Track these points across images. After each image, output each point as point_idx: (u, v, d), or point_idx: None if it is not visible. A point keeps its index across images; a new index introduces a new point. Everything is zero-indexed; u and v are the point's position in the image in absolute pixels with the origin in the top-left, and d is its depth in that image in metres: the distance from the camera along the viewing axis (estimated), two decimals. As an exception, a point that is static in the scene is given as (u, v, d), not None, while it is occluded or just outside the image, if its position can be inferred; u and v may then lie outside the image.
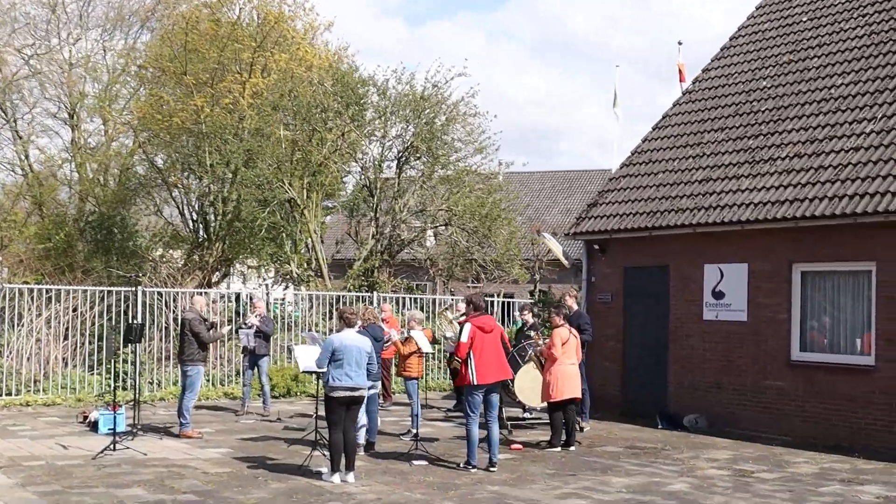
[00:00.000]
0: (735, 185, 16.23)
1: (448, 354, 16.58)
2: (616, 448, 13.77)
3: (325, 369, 10.84)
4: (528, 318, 16.69)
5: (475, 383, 11.63)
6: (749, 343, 15.46)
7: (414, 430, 14.41)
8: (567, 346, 13.59)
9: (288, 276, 25.04)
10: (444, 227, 26.50)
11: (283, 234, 24.51)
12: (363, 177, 26.57)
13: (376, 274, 25.08)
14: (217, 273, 29.49)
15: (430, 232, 28.54)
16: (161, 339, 19.64)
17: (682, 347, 16.49)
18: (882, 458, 12.96)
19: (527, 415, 16.49)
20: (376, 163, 25.73)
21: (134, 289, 15.74)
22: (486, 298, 22.57)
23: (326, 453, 11.73)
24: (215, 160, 24.89)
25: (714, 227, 15.80)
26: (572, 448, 13.52)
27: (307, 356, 11.80)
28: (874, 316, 13.92)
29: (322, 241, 26.36)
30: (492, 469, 11.71)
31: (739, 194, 15.96)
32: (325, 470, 11.25)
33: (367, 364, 10.96)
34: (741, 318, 15.58)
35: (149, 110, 27.56)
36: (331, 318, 22.71)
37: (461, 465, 11.81)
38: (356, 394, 10.80)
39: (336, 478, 10.72)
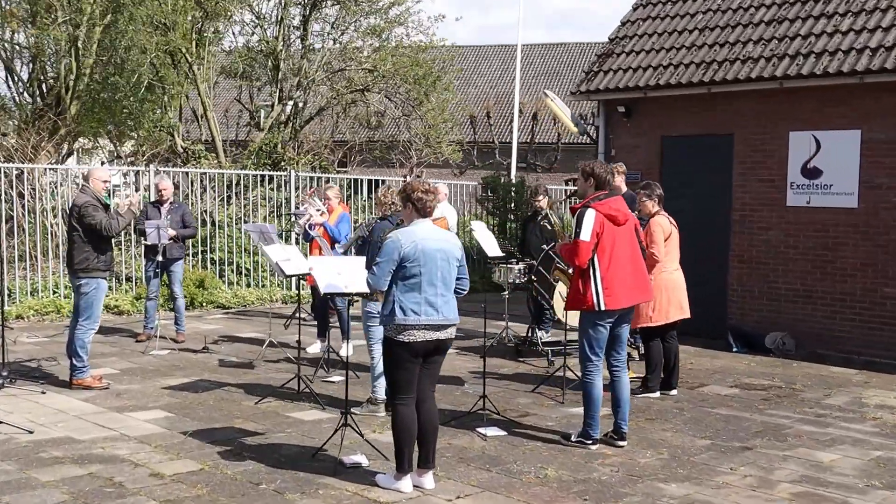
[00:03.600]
0: (829, 26, 12.03)
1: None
2: (725, 388, 9.64)
3: (382, 289, 6.02)
4: (544, 202, 12.16)
5: (602, 308, 7.09)
6: (860, 237, 11.50)
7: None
8: (670, 242, 9.21)
9: (169, 153, 19.39)
10: (360, 94, 21.36)
11: (167, 97, 18.70)
12: (260, 28, 20.91)
13: (283, 150, 19.81)
14: (60, 150, 23.32)
15: (289, 104, 23.32)
16: (13, 232, 14.15)
17: (753, 243, 12.41)
18: None
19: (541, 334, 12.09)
20: (280, 7, 20.12)
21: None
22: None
23: (361, 428, 6.98)
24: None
25: (812, 80, 11.60)
26: (674, 392, 9.29)
27: (320, 268, 6.81)
28: None
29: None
30: (620, 444, 7.32)
31: (840, 37, 11.77)
32: (362, 460, 6.57)
33: (457, 280, 6.21)
34: (848, 204, 11.56)
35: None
36: (228, 204, 17.61)
37: (572, 439, 7.32)
38: (444, 335, 6.06)
39: (406, 483, 6.03)
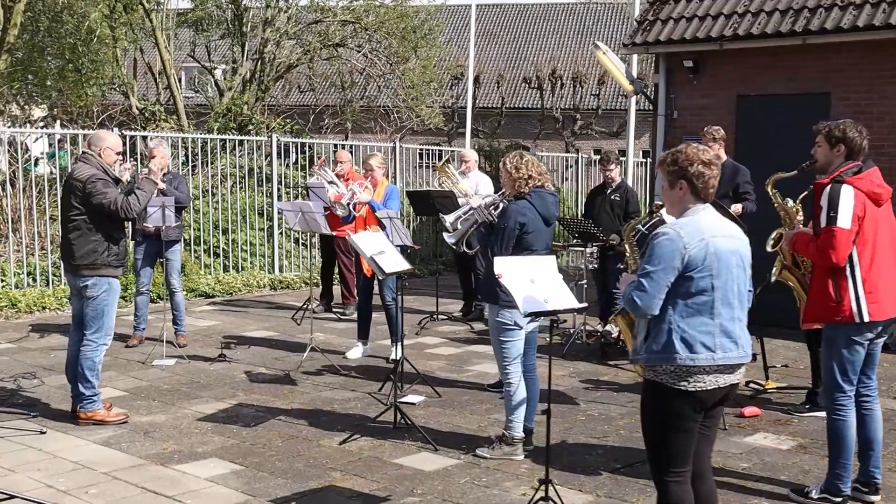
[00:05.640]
0: (947, -34, 10.34)
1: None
2: (891, 402, 7.89)
3: (654, 312, 3.97)
4: (616, 172, 10.30)
5: (865, 320, 5.21)
6: None
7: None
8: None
9: (123, 115, 16.79)
10: (334, 49, 19.05)
11: (118, 51, 16.05)
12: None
13: (250, 112, 17.44)
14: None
15: (219, 72, 20.99)
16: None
17: (854, 220, 10.71)
18: None
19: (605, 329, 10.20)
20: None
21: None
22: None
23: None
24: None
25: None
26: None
27: (511, 274, 4.61)
28: None
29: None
30: (871, 498, 5.47)
31: (964, -21, 10.11)
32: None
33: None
34: (979, 175, 9.94)
35: None
36: (193, 172, 15.24)
37: (814, 496, 5.41)
38: (737, 377, 4.05)
39: None
